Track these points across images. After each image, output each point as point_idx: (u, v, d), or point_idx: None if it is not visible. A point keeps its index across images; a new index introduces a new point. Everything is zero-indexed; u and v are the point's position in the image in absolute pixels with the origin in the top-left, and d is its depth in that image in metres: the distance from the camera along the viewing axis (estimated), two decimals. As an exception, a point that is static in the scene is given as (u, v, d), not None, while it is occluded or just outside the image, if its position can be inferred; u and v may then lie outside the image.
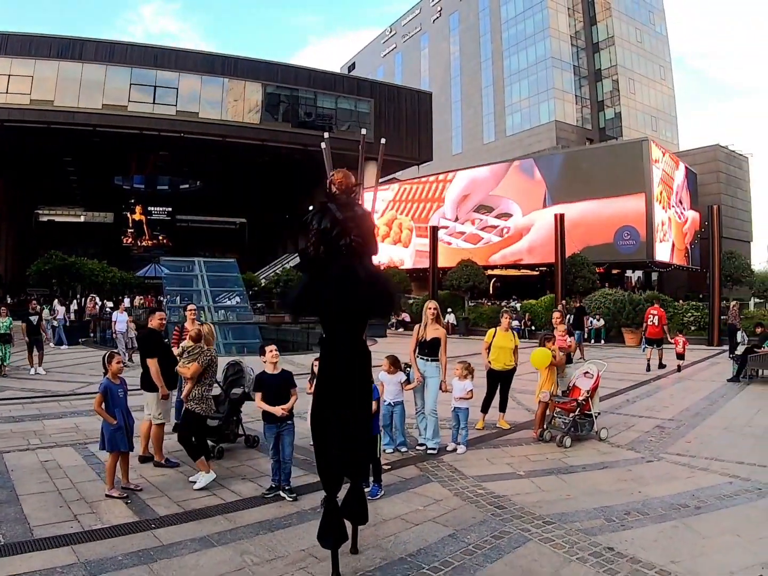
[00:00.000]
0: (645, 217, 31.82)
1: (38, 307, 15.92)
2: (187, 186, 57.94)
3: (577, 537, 4.37)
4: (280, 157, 48.24)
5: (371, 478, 5.40)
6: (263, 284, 40.69)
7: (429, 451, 6.88)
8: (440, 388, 7.11)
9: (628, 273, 38.94)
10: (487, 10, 67.88)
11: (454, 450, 7.00)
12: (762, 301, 36.58)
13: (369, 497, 5.05)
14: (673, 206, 35.20)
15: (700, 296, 27.89)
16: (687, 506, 5.01)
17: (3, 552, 4.09)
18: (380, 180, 56.63)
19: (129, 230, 57.47)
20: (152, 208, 57.85)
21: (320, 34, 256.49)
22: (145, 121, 37.99)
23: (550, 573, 3.82)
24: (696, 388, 11.70)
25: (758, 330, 13.02)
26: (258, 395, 5.51)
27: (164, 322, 6.89)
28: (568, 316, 16.15)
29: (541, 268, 37.19)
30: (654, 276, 38.39)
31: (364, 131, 14.58)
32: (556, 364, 7.88)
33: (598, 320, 22.64)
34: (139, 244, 56.90)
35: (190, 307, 8.39)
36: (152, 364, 6.23)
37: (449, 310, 27.46)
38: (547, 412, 7.88)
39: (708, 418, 8.86)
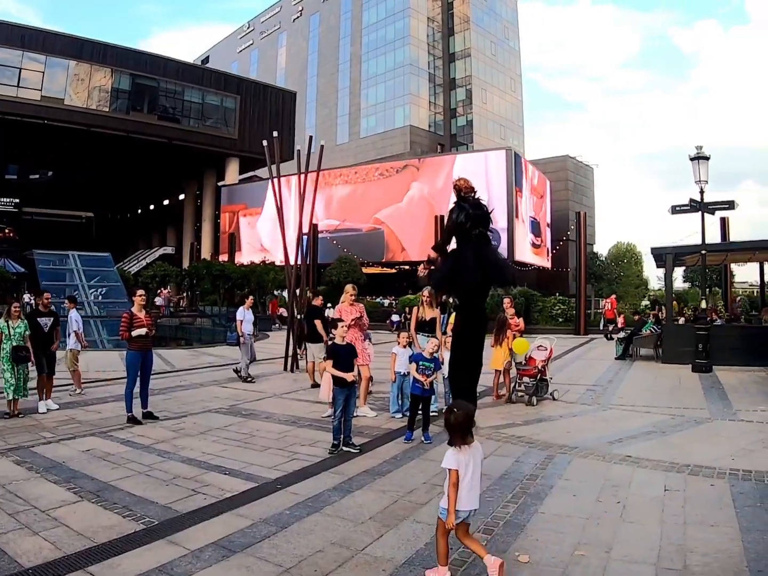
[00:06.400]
0: (506, 219, 35.38)
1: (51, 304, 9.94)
2: (37, 176, 53.75)
3: (600, 453, 6.12)
4: (143, 149, 46.65)
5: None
6: (135, 278, 39.40)
7: (431, 414, 8.32)
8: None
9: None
10: (349, 13, 70.04)
11: None
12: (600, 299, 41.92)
13: (425, 441, 6.69)
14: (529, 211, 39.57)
15: (557, 293, 31.66)
16: (655, 431, 7.00)
17: (171, 527, 4.22)
18: (241, 177, 56.49)
19: (-27, 222, 52.03)
20: (-2, 199, 52.99)
21: (163, 25, 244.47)
22: (8, 105, 35.28)
23: (605, 471, 5.53)
24: (594, 365, 14.27)
25: (636, 317, 16.06)
26: (329, 362, 6.44)
27: (321, 301, 11.41)
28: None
29: (402, 266, 39.81)
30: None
31: (276, 133, 15.32)
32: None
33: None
34: (-16, 236, 51.66)
35: (139, 292, 8.62)
36: (319, 324, 10.24)
37: (329, 305, 28.79)
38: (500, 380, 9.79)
39: (621, 383, 11.34)
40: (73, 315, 10.64)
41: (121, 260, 54.88)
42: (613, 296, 24.57)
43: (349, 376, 6.39)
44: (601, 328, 23.98)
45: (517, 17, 76.43)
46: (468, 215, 5.27)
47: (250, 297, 12.97)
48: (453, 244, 5.61)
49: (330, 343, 6.94)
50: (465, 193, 5.47)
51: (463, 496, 3.48)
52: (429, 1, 67.51)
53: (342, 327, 6.65)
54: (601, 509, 4.54)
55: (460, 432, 3.59)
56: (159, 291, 37.02)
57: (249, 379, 11.69)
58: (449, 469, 3.51)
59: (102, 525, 4.32)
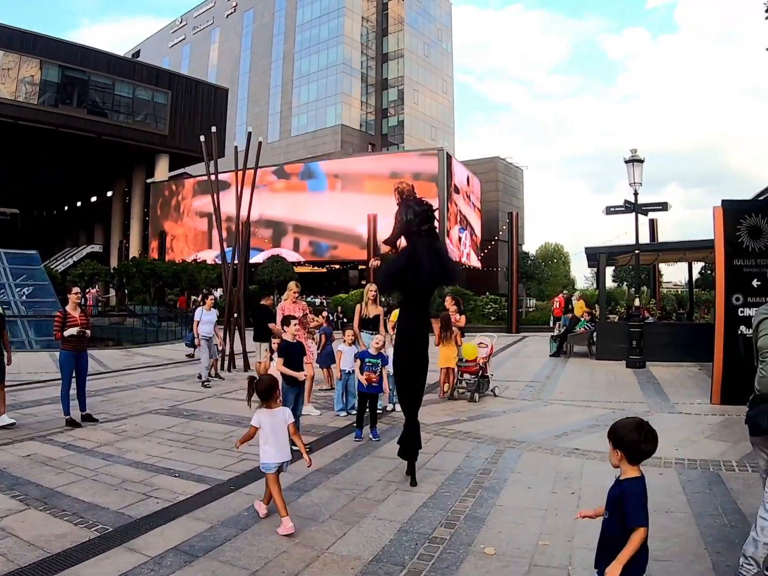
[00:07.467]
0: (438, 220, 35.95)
1: None
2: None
3: (548, 447, 6.32)
4: (72, 144, 44.80)
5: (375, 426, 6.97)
6: (63, 277, 37.78)
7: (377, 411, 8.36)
8: None
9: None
10: (283, 11, 69.24)
11: (393, 409, 8.55)
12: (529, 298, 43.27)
13: (373, 439, 6.70)
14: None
15: (487, 293, 32.40)
16: (598, 425, 7.25)
17: (127, 534, 4.09)
18: (171, 174, 54.94)
19: None
20: None
21: (93, 17, 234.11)
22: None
23: (555, 464, 5.71)
24: (529, 362, 14.63)
25: (569, 316, 16.64)
26: (280, 360, 6.25)
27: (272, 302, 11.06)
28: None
29: (333, 266, 39.82)
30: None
31: (214, 128, 14.87)
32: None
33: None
34: None
35: (74, 290, 8.23)
36: (273, 326, 9.37)
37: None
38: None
39: (558, 379, 11.67)
40: None
41: (48, 258, 52.59)
42: (561, 295, 25.02)
43: (300, 375, 6.29)
44: (552, 326, 24.14)
45: (451, 19, 77.46)
46: (415, 212, 5.35)
47: (210, 297, 12.40)
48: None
49: (279, 341, 6.83)
50: (407, 195, 5.55)
51: (271, 450, 4.37)
52: (364, 1, 67.54)
53: (294, 325, 6.56)
54: (557, 500, 4.70)
55: (261, 396, 4.48)
56: (87, 290, 35.61)
57: (207, 382, 11.10)
58: (251, 425, 4.45)
59: (54, 534, 4.11)
